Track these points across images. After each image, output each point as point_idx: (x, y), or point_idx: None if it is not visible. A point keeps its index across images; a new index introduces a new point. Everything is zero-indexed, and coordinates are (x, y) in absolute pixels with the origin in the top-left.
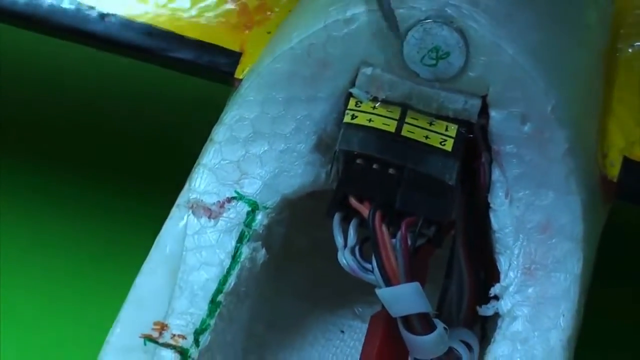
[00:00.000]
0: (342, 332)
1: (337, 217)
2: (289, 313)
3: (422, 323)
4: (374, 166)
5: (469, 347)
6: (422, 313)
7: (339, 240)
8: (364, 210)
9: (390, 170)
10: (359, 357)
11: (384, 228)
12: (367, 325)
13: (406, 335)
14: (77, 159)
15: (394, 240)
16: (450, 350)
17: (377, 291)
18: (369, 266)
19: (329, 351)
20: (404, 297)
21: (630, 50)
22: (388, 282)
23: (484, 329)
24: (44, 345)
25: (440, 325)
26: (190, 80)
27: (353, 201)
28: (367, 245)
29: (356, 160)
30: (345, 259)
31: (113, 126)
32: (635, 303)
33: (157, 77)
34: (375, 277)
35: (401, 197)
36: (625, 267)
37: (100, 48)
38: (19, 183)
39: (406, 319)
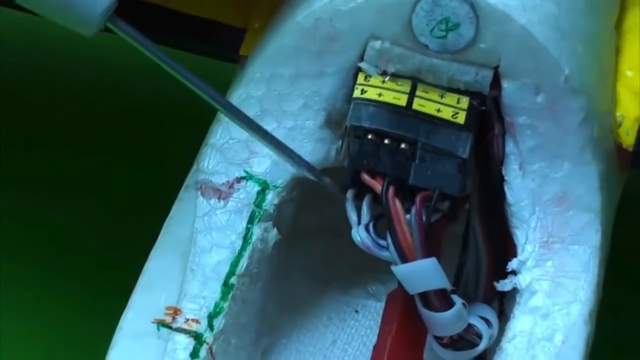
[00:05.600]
0: (357, 312)
1: (349, 194)
2: (302, 293)
3: (440, 299)
4: (386, 141)
5: (488, 323)
6: (440, 289)
7: (352, 217)
8: (377, 186)
9: (402, 145)
10: (374, 337)
11: (398, 203)
12: (381, 304)
13: (424, 312)
14: (77, 145)
15: (408, 215)
16: (470, 326)
17: (393, 268)
18: (383, 243)
19: (344, 332)
20: (421, 273)
21: None
22: (404, 259)
23: (502, 305)
24: (53, 338)
25: (459, 301)
26: (193, 59)
27: (365, 177)
28: (382, 222)
29: (367, 136)
30: (359, 235)
31: (114, 106)
32: None
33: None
34: (390, 253)
35: (414, 171)
36: None
37: None
38: (19, 173)
39: (424, 296)
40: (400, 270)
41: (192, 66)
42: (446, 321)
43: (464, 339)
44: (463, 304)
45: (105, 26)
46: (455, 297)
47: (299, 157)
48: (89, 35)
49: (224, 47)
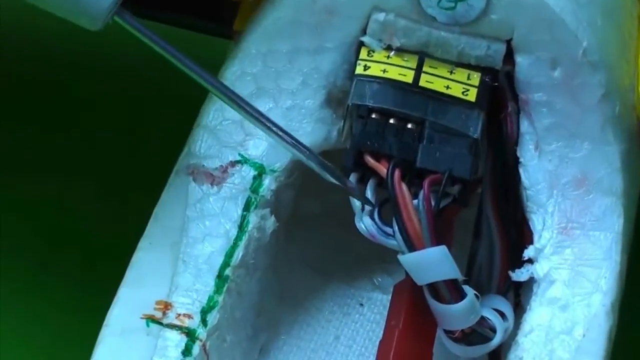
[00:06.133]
0: (361, 305)
1: (352, 178)
2: (302, 286)
3: (450, 290)
4: (391, 121)
5: (502, 315)
6: (451, 279)
7: (355, 203)
8: (382, 168)
9: (409, 125)
10: (380, 331)
11: (404, 187)
12: (387, 297)
13: (434, 304)
14: (64, 130)
15: (415, 200)
16: (482, 319)
17: (400, 257)
18: (389, 230)
19: (348, 327)
20: (430, 263)
21: None
22: (411, 247)
23: (518, 296)
24: (37, 335)
25: (470, 292)
26: (185, 35)
27: (369, 159)
28: (387, 209)
29: (371, 115)
30: (363, 223)
31: (107, 87)
32: None
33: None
34: (397, 242)
35: (422, 153)
36: None
37: None
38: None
39: (433, 287)
40: (408, 259)
41: (184, 42)
42: (457, 314)
43: (477, 333)
44: (475, 295)
45: (112, 20)
46: (467, 288)
47: (323, 161)
48: (94, 30)
49: (217, 22)
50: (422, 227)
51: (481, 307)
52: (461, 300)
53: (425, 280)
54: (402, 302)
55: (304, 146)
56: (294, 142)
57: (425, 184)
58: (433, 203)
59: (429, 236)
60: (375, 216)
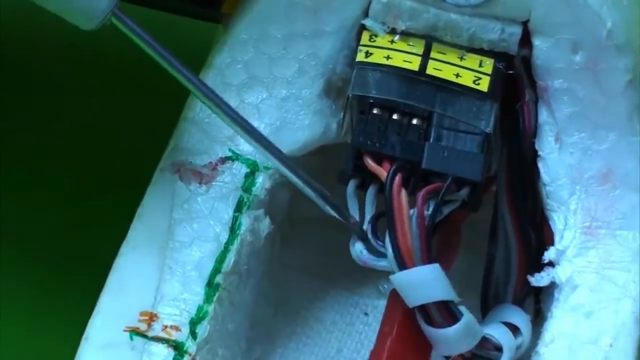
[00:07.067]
0: (366, 314)
1: (351, 185)
2: (300, 294)
3: (442, 313)
4: (394, 116)
5: (515, 330)
6: (442, 301)
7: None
8: (382, 173)
9: (414, 121)
10: None
11: (403, 197)
12: None
13: (426, 329)
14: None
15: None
16: (485, 340)
17: (391, 277)
18: (382, 249)
19: (351, 338)
20: (420, 283)
21: None
22: (402, 265)
23: (538, 303)
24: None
25: (466, 314)
26: (169, 20)
27: (369, 162)
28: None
29: (372, 110)
30: (354, 249)
31: (89, 80)
32: None
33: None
34: (388, 258)
35: (428, 153)
36: None
37: None
38: None
39: (424, 309)
40: (398, 278)
41: (168, 27)
42: (451, 339)
43: (479, 357)
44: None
45: (109, 21)
46: (463, 309)
47: (322, 190)
48: (88, 29)
49: (204, 5)
50: (413, 243)
51: (490, 321)
52: (455, 323)
53: (415, 301)
54: (396, 308)
55: (296, 168)
56: (294, 170)
57: (419, 197)
58: (429, 215)
59: (420, 253)
60: (370, 235)
